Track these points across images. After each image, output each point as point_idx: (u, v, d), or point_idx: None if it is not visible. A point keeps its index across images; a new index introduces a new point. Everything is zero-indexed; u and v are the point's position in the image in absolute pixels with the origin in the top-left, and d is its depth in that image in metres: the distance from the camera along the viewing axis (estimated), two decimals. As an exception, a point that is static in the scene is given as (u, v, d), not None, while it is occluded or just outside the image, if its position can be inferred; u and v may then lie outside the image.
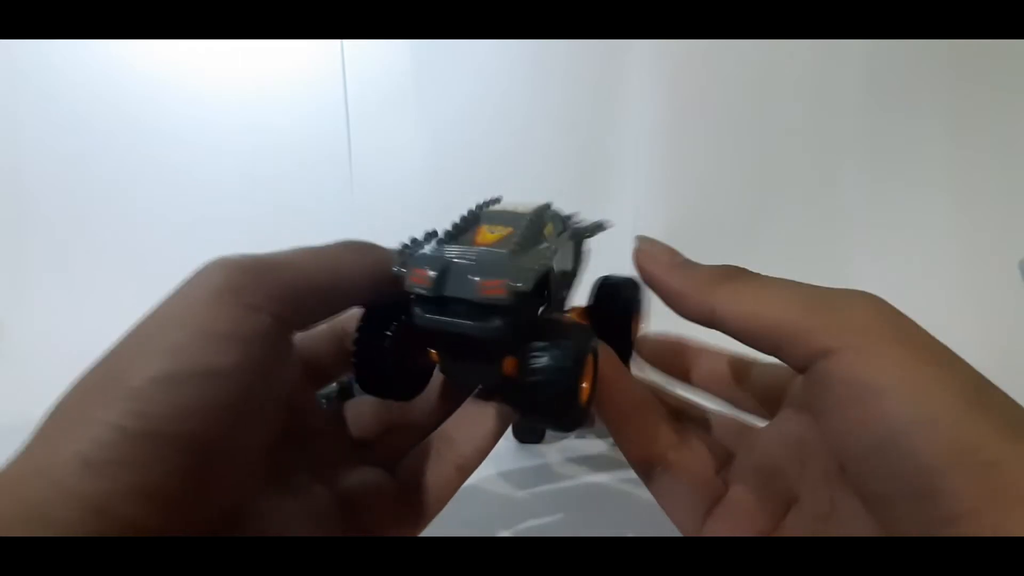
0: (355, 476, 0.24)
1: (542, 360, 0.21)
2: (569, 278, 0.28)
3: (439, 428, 0.25)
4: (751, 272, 0.23)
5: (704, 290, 0.22)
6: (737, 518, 0.24)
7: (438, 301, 0.21)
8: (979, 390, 0.17)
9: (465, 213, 0.26)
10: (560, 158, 0.75)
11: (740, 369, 0.28)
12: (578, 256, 0.30)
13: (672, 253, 0.24)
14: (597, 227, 0.31)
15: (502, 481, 0.42)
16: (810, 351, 0.19)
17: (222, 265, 0.20)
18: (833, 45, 0.69)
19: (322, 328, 0.25)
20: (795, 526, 0.23)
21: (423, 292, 0.21)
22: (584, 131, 0.75)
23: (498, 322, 0.21)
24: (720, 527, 0.24)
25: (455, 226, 0.25)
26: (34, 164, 0.75)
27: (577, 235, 0.29)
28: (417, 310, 0.22)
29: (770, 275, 0.22)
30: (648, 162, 0.73)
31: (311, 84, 0.75)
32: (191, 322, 0.18)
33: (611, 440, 0.49)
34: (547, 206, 0.27)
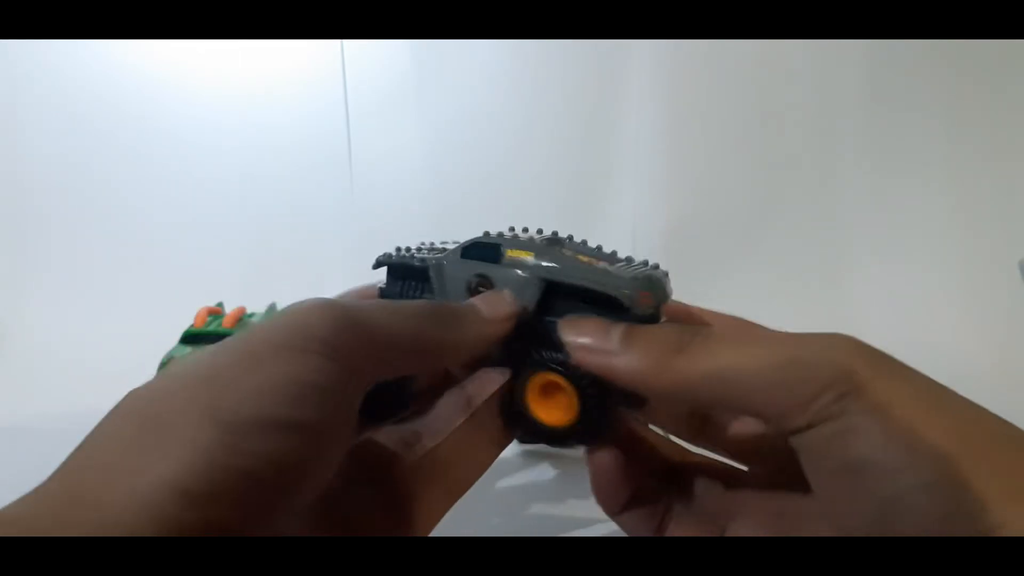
0: (349, 499, 0.23)
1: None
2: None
3: (433, 448, 0.25)
4: (704, 335, 0.21)
5: (661, 366, 0.20)
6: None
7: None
8: (970, 440, 0.17)
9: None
10: (560, 158, 0.75)
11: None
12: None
13: (602, 334, 0.21)
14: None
15: (502, 481, 0.42)
16: (792, 424, 0.18)
17: (315, 313, 0.19)
18: (833, 45, 0.69)
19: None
20: None
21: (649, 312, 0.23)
22: (584, 131, 0.75)
23: None
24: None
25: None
26: (34, 165, 0.75)
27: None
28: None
29: (725, 334, 0.21)
30: (648, 162, 0.73)
31: (311, 84, 0.75)
32: (281, 369, 0.18)
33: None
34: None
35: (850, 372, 0.17)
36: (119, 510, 0.15)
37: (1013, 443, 0.17)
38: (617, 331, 0.21)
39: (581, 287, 0.24)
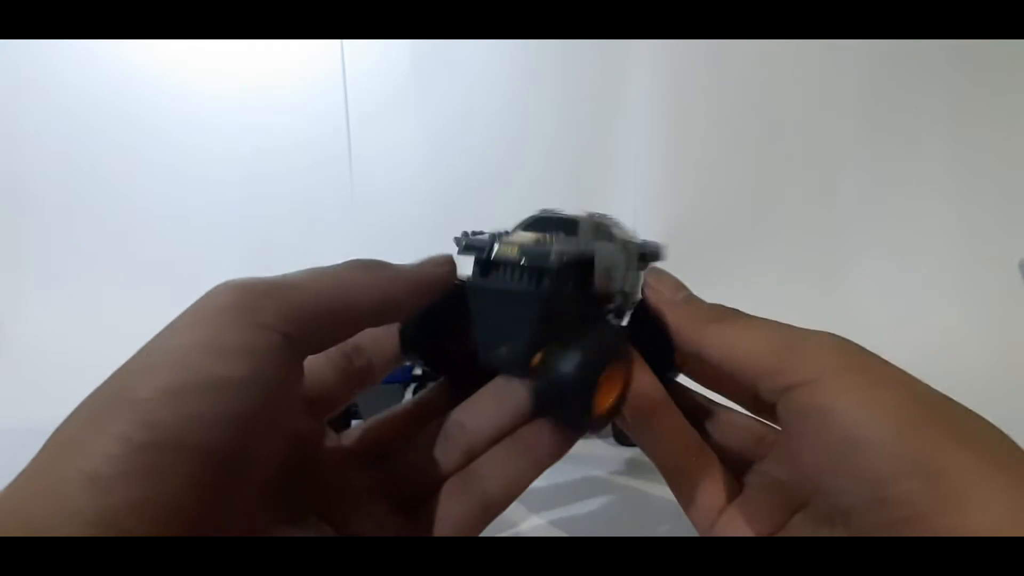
0: (368, 520, 0.23)
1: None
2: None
3: (471, 464, 0.24)
4: (740, 313, 0.25)
5: (696, 327, 0.24)
6: (747, 518, 0.25)
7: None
8: (930, 406, 0.19)
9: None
10: (560, 158, 0.75)
11: None
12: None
13: (676, 287, 0.26)
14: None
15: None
16: (778, 386, 0.21)
17: (232, 286, 0.19)
18: (833, 45, 0.69)
19: (328, 353, 0.25)
20: (799, 528, 0.24)
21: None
22: (584, 131, 0.75)
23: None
24: (730, 526, 0.25)
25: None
26: (34, 165, 0.75)
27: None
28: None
29: (758, 316, 0.24)
30: (648, 162, 0.73)
31: (311, 85, 0.75)
32: (200, 336, 0.18)
33: (610, 439, 0.49)
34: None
35: (827, 354, 0.21)
36: (42, 512, 0.14)
37: (959, 410, 0.19)
38: (683, 291, 0.26)
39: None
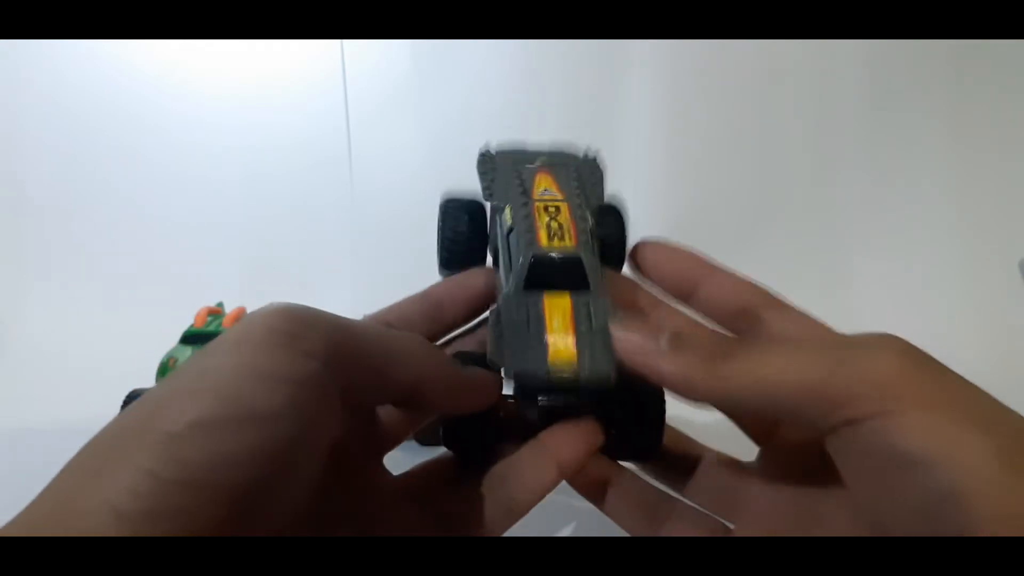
0: (399, 526, 0.23)
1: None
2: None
3: (491, 471, 0.24)
4: (748, 341, 0.22)
5: (708, 372, 0.20)
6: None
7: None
8: (1020, 450, 0.16)
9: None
10: (560, 158, 0.75)
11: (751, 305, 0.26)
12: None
13: (650, 333, 0.21)
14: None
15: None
16: (835, 419, 0.18)
17: (279, 311, 0.19)
18: (833, 45, 0.69)
19: None
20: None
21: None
22: (584, 131, 0.75)
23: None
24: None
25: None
26: (33, 165, 0.75)
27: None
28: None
29: (776, 338, 0.22)
30: (648, 162, 0.73)
31: (311, 84, 0.75)
32: (240, 359, 0.17)
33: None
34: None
35: (894, 377, 0.17)
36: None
37: None
38: (662, 333, 0.21)
39: None
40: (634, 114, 0.73)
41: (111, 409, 0.48)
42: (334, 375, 0.18)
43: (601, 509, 0.26)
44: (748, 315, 0.25)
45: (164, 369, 0.48)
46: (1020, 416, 0.17)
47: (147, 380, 0.48)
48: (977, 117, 0.70)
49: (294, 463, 0.17)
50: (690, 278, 0.26)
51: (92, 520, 0.14)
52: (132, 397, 0.48)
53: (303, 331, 0.18)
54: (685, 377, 0.20)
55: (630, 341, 0.21)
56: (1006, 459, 0.16)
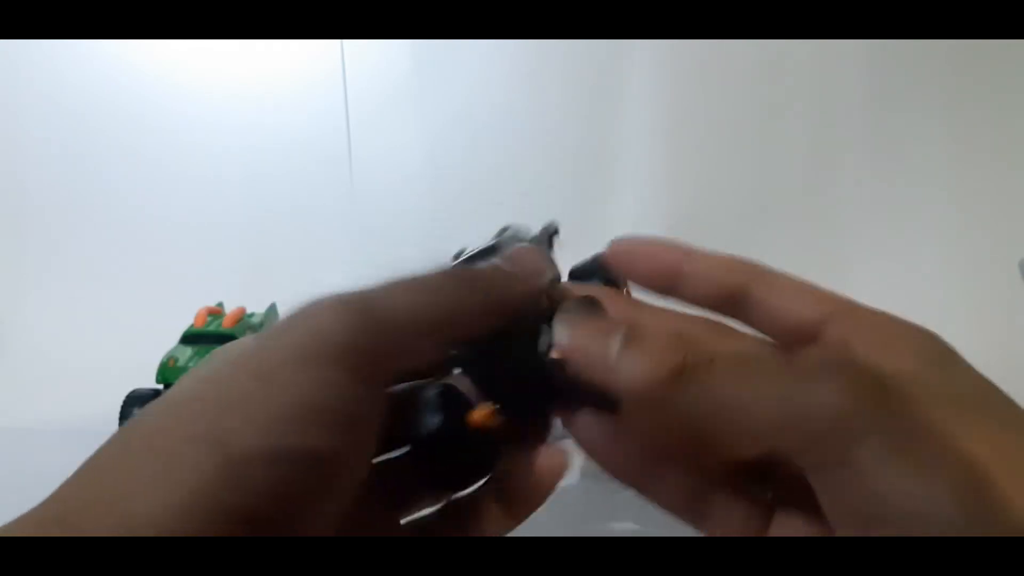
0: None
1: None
2: None
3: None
4: (707, 353, 0.19)
5: (659, 389, 0.17)
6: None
7: None
8: (1005, 447, 0.15)
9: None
10: (560, 158, 0.75)
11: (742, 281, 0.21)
12: None
13: (603, 333, 0.18)
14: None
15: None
16: (805, 463, 0.16)
17: (339, 317, 0.18)
18: (834, 45, 0.69)
19: None
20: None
21: None
22: (584, 131, 0.75)
23: None
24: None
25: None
26: (34, 165, 0.75)
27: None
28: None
29: (728, 360, 0.18)
30: (648, 161, 0.73)
31: (311, 85, 0.75)
32: (300, 379, 0.17)
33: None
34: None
35: (849, 415, 0.15)
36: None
37: None
38: (617, 338, 0.18)
39: None
40: (634, 114, 0.73)
41: (111, 409, 0.48)
42: (384, 381, 0.18)
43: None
44: (736, 296, 0.22)
45: (164, 369, 0.48)
46: (986, 435, 0.15)
47: (147, 380, 0.48)
48: (977, 117, 0.70)
49: (342, 492, 0.17)
50: (668, 268, 0.23)
51: (141, 533, 0.14)
52: (132, 397, 0.48)
53: (358, 340, 0.17)
54: (636, 394, 0.18)
55: (580, 347, 0.19)
56: (970, 500, 0.14)
